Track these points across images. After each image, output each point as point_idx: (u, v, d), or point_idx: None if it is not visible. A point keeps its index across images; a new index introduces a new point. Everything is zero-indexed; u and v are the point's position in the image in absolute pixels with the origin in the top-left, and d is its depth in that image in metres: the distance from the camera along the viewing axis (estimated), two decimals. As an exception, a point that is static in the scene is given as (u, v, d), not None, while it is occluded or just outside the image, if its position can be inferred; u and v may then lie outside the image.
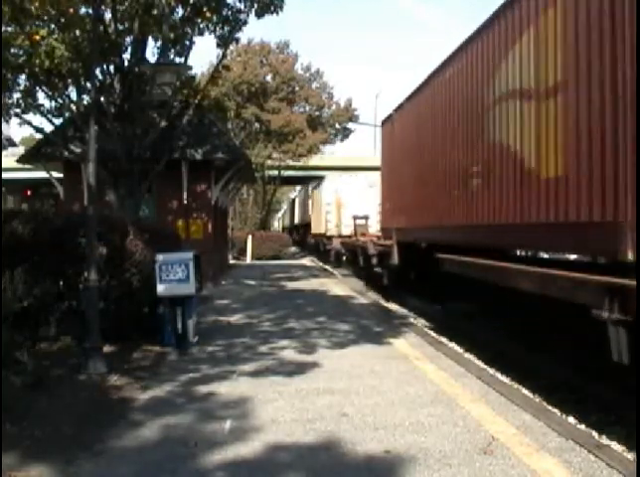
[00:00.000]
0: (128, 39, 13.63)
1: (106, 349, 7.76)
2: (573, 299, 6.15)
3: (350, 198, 27.82)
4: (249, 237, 34.69)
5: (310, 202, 36.81)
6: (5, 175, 27.21)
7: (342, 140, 46.25)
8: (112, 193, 13.27)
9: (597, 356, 6.01)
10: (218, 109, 21.06)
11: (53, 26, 12.17)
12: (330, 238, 28.71)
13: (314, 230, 34.92)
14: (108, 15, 13.27)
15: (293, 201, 54.40)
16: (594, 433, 5.86)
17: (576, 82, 6.27)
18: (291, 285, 18.55)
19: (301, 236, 46.13)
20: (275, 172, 45.39)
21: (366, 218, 25.98)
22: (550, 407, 6.45)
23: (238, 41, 16.42)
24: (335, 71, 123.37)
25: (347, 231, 26.88)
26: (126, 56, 13.64)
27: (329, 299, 15.10)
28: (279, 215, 75.63)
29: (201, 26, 14.03)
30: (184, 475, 4.31)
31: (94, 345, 7.23)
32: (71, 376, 6.88)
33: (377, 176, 26.91)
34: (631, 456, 5.02)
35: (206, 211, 18.29)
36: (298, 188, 51.65)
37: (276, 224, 76.03)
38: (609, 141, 5.69)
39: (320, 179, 33.13)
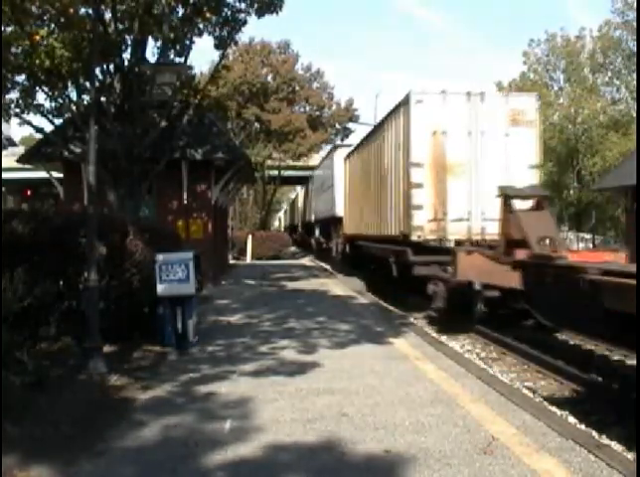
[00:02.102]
0: (128, 39, 13.63)
1: (106, 349, 7.76)
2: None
3: (469, 149, 12.65)
4: (249, 236, 34.68)
5: (342, 173, 22.97)
6: (5, 175, 27.23)
7: (342, 140, 46.22)
8: (112, 193, 13.27)
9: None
10: (218, 108, 21.02)
11: (53, 26, 12.17)
12: (443, 248, 12.74)
13: (353, 228, 20.34)
14: (108, 15, 13.28)
15: (294, 201, 53.81)
16: (594, 433, 5.86)
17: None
18: (291, 285, 18.54)
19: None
20: (275, 172, 45.37)
21: (541, 197, 10.66)
22: (550, 407, 6.46)
23: (236, 43, 16.44)
24: (335, 71, 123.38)
25: (458, 230, 12.63)
26: (126, 56, 13.65)
27: (329, 299, 15.09)
28: (280, 214, 75.62)
29: (200, 26, 14.04)
30: (184, 475, 4.31)
31: (94, 345, 7.23)
32: (71, 376, 6.88)
33: (528, 100, 13.20)
34: (631, 456, 5.02)
35: (206, 211, 18.28)
36: (298, 188, 51.17)
37: (276, 223, 76.06)
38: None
39: (389, 116, 15.02)
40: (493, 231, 11.58)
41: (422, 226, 12.61)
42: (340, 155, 24.86)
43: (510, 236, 10.05)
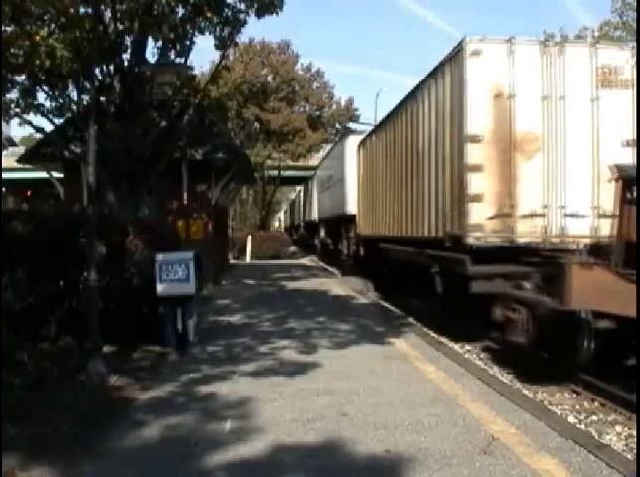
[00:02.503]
0: (128, 39, 13.62)
1: (106, 349, 7.76)
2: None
3: (545, 119, 9.44)
4: (249, 237, 34.71)
5: (354, 163, 19.98)
6: (5, 175, 27.22)
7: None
8: (112, 193, 13.26)
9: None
10: (218, 109, 20.99)
11: (53, 26, 12.16)
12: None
13: (370, 227, 17.36)
14: (108, 15, 13.27)
15: (294, 200, 53.57)
16: (594, 433, 5.86)
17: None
18: (291, 285, 18.54)
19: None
20: (275, 172, 45.38)
21: None
22: (550, 407, 6.46)
23: (236, 43, 16.46)
24: (335, 71, 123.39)
25: (530, 229, 9.35)
26: (126, 56, 13.64)
27: (329, 299, 15.10)
28: (280, 214, 75.65)
29: (201, 25, 14.04)
30: (184, 475, 4.31)
31: (95, 345, 7.24)
32: (71, 376, 6.87)
33: (622, 53, 9.67)
34: (631, 456, 5.02)
35: (206, 211, 18.28)
36: (298, 188, 51.03)
37: (277, 223, 76.13)
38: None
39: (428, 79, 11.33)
40: (578, 230, 9.16)
41: (482, 223, 9.19)
42: (352, 142, 21.11)
43: (630, 238, 7.11)
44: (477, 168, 9.22)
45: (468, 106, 9.32)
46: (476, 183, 9.22)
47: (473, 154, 9.26)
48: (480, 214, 9.20)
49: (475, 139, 9.25)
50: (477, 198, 9.20)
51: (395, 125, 14.18)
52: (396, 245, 13.60)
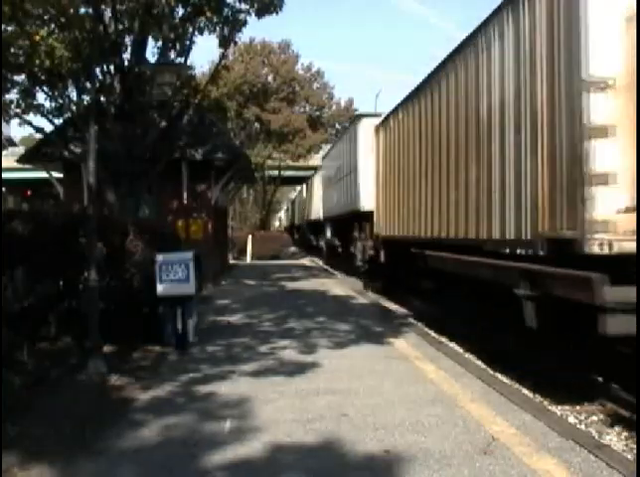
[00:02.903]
0: (128, 39, 13.63)
1: (106, 349, 7.77)
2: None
3: None
4: (249, 237, 34.75)
5: (370, 150, 17.00)
6: (5, 175, 27.27)
7: (342, 140, 46.25)
8: (112, 193, 13.27)
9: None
10: (218, 109, 21.02)
11: (53, 26, 12.17)
12: None
13: (394, 227, 14.06)
14: (108, 15, 13.28)
15: (295, 199, 53.39)
16: (594, 433, 5.86)
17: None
18: (291, 285, 18.53)
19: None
20: (275, 172, 45.38)
21: None
22: (550, 407, 6.45)
23: (236, 43, 16.49)
24: (335, 70, 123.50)
25: None
26: (126, 56, 13.65)
27: (329, 299, 15.09)
28: (280, 214, 75.69)
29: (201, 25, 14.05)
30: (183, 475, 4.31)
31: (94, 345, 7.24)
32: (71, 376, 6.88)
33: None
34: (631, 456, 5.02)
35: (206, 211, 18.31)
36: (298, 188, 50.93)
37: (277, 223, 76.18)
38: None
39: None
40: None
41: (611, 220, 5.79)
42: (367, 126, 17.82)
43: None
44: (604, 131, 5.88)
45: (588, 34, 5.88)
46: (602, 155, 5.87)
47: (598, 109, 5.90)
48: (609, 204, 5.84)
49: (601, 85, 5.87)
50: (604, 179, 5.85)
51: (436, 93, 10.74)
52: (440, 251, 10.20)
